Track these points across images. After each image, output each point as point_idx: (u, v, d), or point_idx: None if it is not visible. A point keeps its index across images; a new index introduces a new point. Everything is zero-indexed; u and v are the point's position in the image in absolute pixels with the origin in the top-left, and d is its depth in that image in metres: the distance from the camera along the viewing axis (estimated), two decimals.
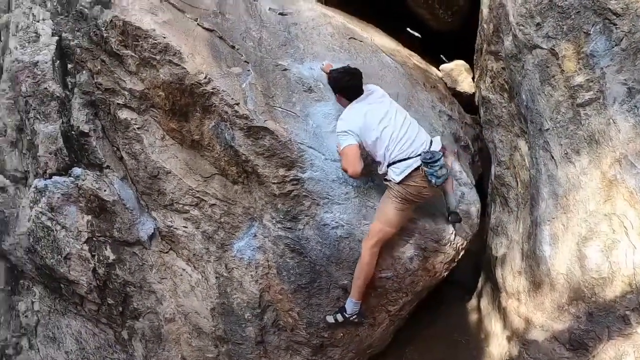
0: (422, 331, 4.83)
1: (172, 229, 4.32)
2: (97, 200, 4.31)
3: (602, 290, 3.04)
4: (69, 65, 4.44)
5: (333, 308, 3.99)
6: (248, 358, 4.25)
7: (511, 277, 4.08)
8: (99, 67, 4.25)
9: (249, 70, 4.03)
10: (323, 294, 3.99)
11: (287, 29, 4.57)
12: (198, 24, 4.13)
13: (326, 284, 3.97)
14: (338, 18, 5.01)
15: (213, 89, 3.81)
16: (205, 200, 4.19)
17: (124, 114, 4.25)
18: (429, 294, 4.51)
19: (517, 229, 4.17)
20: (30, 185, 4.50)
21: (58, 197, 4.33)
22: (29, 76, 4.40)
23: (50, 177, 4.41)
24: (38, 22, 4.64)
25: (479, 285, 5.07)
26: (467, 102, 5.71)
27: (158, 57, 3.89)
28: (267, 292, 4.11)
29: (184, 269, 4.38)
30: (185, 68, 3.82)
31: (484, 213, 4.79)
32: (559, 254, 3.38)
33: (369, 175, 3.92)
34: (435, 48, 7.17)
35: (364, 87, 3.79)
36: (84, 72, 4.35)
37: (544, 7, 3.33)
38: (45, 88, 4.38)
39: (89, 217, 4.36)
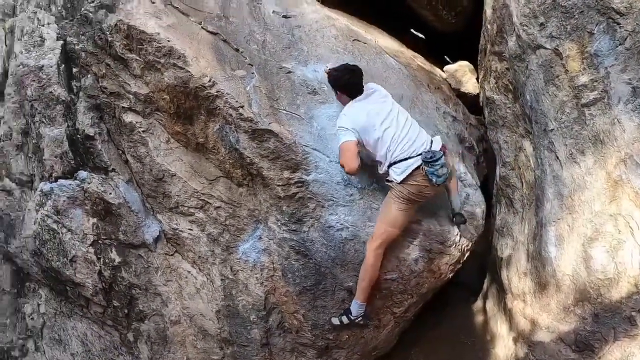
0: (428, 333, 4.82)
1: (177, 231, 4.33)
2: (102, 203, 4.32)
3: (608, 291, 3.02)
4: (74, 69, 4.46)
5: (338, 310, 3.98)
6: None
7: (517, 278, 4.07)
8: (103, 71, 4.27)
9: (253, 73, 4.04)
10: (328, 296, 3.99)
11: (291, 32, 4.57)
12: (202, 27, 4.14)
13: (331, 286, 3.97)
14: (342, 20, 5.01)
15: (217, 92, 3.82)
16: (210, 203, 4.20)
17: (129, 117, 4.27)
18: (434, 296, 4.50)
19: (523, 230, 4.15)
20: (36, 189, 4.52)
21: (64, 200, 4.35)
22: (34, 80, 4.43)
23: (56, 181, 4.43)
24: (43, 26, 4.67)
25: (485, 286, 5.06)
26: (472, 103, 5.70)
27: (162, 61, 3.90)
28: (272, 294, 4.11)
29: (189, 272, 4.39)
30: (189, 71, 3.83)
31: (489, 214, 4.78)
32: (564, 254, 3.36)
33: (370, 174, 3.91)
34: (439, 49, 7.17)
35: (365, 86, 3.79)
36: (89, 75, 4.37)
37: (548, 7, 3.32)
38: (51, 92, 4.40)
39: (95, 219, 4.38)
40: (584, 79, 3.16)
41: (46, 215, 4.38)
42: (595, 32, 3.07)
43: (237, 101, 3.80)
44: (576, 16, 3.15)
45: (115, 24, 3.98)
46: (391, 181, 3.60)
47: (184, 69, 3.85)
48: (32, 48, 4.58)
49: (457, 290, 5.18)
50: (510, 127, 4.35)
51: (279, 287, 4.05)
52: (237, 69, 4.01)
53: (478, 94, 5.46)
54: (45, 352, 4.79)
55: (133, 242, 4.40)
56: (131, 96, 4.19)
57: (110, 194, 4.32)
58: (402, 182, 3.52)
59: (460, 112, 5.21)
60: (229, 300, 4.20)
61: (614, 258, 3.00)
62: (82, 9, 4.37)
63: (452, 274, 4.26)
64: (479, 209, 4.31)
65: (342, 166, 3.61)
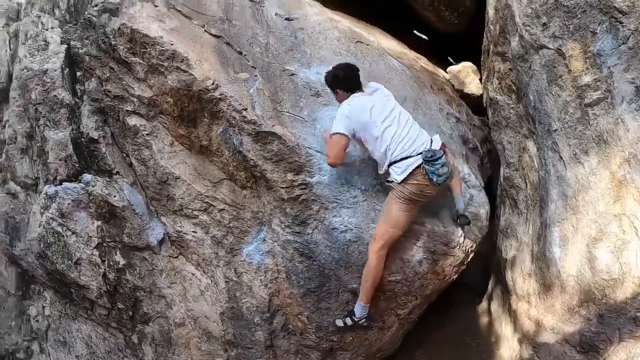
0: (432, 334, 4.80)
1: (181, 234, 4.34)
2: (107, 206, 4.34)
3: (613, 292, 3.00)
4: (78, 73, 4.49)
5: (342, 312, 3.97)
6: None
7: (521, 279, 4.05)
8: (107, 75, 4.29)
9: (256, 76, 4.05)
10: (332, 298, 3.98)
11: (294, 34, 4.59)
12: (205, 30, 4.16)
13: (335, 287, 3.97)
14: (344, 22, 5.02)
15: (221, 94, 3.83)
16: (214, 205, 4.20)
17: (132, 121, 4.29)
18: (439, 297, 4.49)
19: (527, 231, 4.14)
20: (41, 192, 4.55)
21: (68, 203, 4.37)
22: (38, 84, 4.46)
23: (60, 184, 4.46)
24: (47, 30, 4.70)
25: (489, 287, 5.04)
26: (475, 104, 5.70)
27: (166, 64, 3.92)
28: (276, 296, 4.11)
29: (193, 274, 4.39)
30: (192, 74, 3.84)
31: (494, 215, 4.77)
32: (569, 255, 3.35)
33: (373, 176, 3.91)
34: (442, 50, 7.16)
35: (368, 85, 3.81)
36: (93, 79, 4.40)
37: (550, 7, 3.31)
38: (55, 95, 4.43)
39: (99, 222, 4.40)
40: (587, 78, 3.15)
41: (51, 218, 4.40)
42: (597, 31, 3.06)
43: (240, 104, 3.81)
44: (579, 16, 3.15)
45: (119, 28, 4.00)
46: (391, 181, 3.59)
47: (187, 72, 3.86)
48: (36, 52, 4.61)
49: (462, 291, 5.16)
50: (514, 128, 4.34)
51: (283, 289, 4.05)
52: (241, 72, 4.02)
53: (481, 95, 5.45)
54: (50, 354, 4.81)
55: (137, 245, 4.41)
56: (135, 99, 4.21)
57: (114, 196, 4.34)
58: (403, 181, 3.51)
59: (464, 113, 5.21)
60: (233, 303, 4.20)
61: (619, 258, 2.98)
62: (86, 12, 4.40)
63: (456, 276, 4.25)
64: (483, 210, 4.30)
65: (327, 156, 3.60)
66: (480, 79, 5.70)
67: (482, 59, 5.12)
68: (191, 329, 4.42)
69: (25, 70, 4.53)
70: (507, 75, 4.26)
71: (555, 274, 3.45)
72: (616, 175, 3.01)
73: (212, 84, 3.83)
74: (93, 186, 4.36)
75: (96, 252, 4.40)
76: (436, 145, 3.61)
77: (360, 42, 4.87)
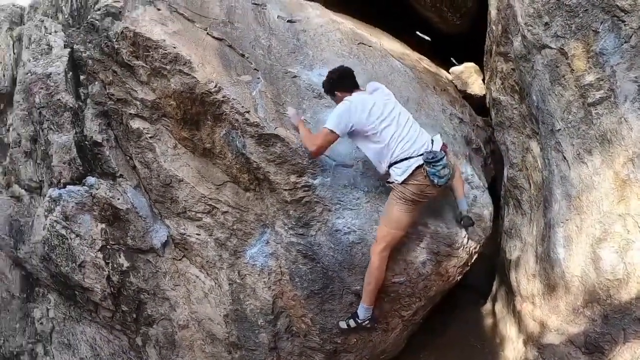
0: (436, 336, 4.79)
1: (185, 236, 4.35)
2: (110, 208, 4.35)
3: (618, 292, 2.99)
4: (82, 77, 4.51)
5: (346, 314, 3.97)
6: None
7: (525, 280, 4.04)
8: (110, 78, 4.30)
9: (258, 78, 4.05)
10: (336, 300, 3.98)
11: (296, 36, 4.59)
12: (208, 33, 4.17)
13: (339, 289, 3.96)
14: (346, 24, 5.03)
15: (223, 97, 3.84)
16: (217, 208, 4.21)
17: (136, 124, 4.30)
18: (443, 299, 4.48)
19: (531, 232, 4.12)
20: (45, 195, 4.57)
21: (72, 206, 4.39)
22: (42, 88, 4.48)
23: (64, 187, 4.48)
24: (50, 34, 4.73)
25: (493, 289, 5.03)
26: (478, 105, 5.69)
27: (169, 67, 3.93)
28: (280, 298, 4.11)
29: (197, 276, 4.40)
30: (195, 77, 3.85)
31: (498, 216, 4.75)
32: (573, 256, 3.34)
33: (376, 177, 3.91)
34: (444, 51, 7.16)
35: (368, 84, 3.82)
36: (96, 83, 4.41)
37: (552, 7, 3.30)
38: (59, 99, 4.44)
39: (103, 225, 4.41)
40: (590, 78, 3.14)
41: (55, 221, 4.41)
42: (600, 30, 3.05)
43: (243, 106, 3.81)
44: (581, 15, 3.14)
45: (122, 31, 4.01)
46: (392, 182, 3.59)
47: (190, 75, 3.87)
48: (39, 56, 4.63)
49: (466, 292, 5.15)
50: (517, 128, 4.33)
51: (287, 291, 4.05)
52: (243, 74, 4.02)
53: (484, 96, 5.44)
54: (55, 357, 4.83)
55: (141, 247, 4.42)
56: (138, 102, 4.22)
57: (118, 199, 4.35)
58: (404, 182, 3.51)
59: (467, 114, 5.20)
60: (237, 305, 4.21)
61: (623, 258, 2.97)
62: (89, 16, 4.41)
63: (460, 277, 4.24)
64: (487, 211, 4.29)
65: (312, 146, 3.59)
66: (483, 80, 5.70)
67: (484, 59, 5.12)
68: (195, 331, 4.43)
69: (29, 74, 4.56)
70: (510, 76, 4.25)
71: (560, 274, 3.44)
72: (620, 174, 3.00)
73: (215, 86, 3.83)
74: (97, 189, 4.37)
75: (100, 255, 4.41)
76: (437, 146, 3.60)
77: (363, 43, 4.87)
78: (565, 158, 3.44)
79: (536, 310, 3.80)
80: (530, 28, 3.53)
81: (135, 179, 4.48)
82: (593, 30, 3.09)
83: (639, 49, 2.90)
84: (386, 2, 6.77)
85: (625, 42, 2.94)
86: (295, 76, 4.24)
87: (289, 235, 3.96)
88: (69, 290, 4.65)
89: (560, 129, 3.44)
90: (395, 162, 3.52)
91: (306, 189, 3.84)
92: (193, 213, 4.29)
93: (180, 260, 4.45)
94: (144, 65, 4.05)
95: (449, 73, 6.13)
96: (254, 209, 4.14)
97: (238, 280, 4.19)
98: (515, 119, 4.32)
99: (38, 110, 4.53)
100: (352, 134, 3.59)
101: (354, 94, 3.67)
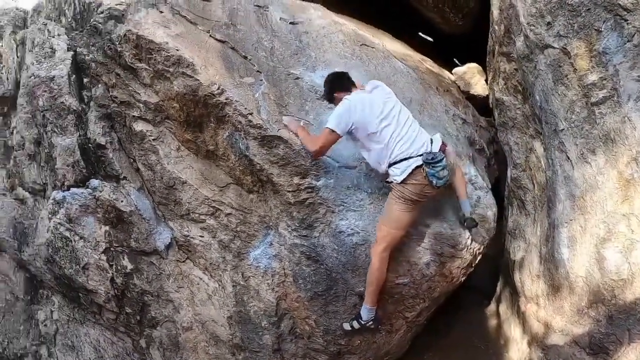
0: (440, 337, 4.78)
1: (188, 238, 4.35)
2: (114, 211, 4.36)
3: (622, 292, 2.98)
4: (85, 79, 4.52)
5: (350, 315, 3.96)
6: None
7: (530, 281, 4.03)
8: (114, 81, 4.31)
9: (261, 80, 4.05)
10: (340, 302, 3.98)
11: (299, 38, 4.59)
12: (210, 35, 4.17)
13: (342, 291, 3.96)
14: (349, 25, 5.03)
15: (226, 99, 3.84)
16: (221, 210, 4.21)
17: (139, 126, 4.31)
18: (447, 300, 4.47)
19: (535, 232, 4.11)
20: (49, 197, 4.58)
21: (76, 208, 4.40)
22: (45, 91, 4.49)
23: (68, 189, 4.49)
24: (53, 37, 4.74)
25: (498, 289, 5.01)
26: (481, 105, 5.68)
27: (171, 70, 3.93)
28: (283, 300, 4.11)
29: (200, 278, 4.40)
30: (198, 79, 3.86)
31: (501, 216, 4.74)
32: (577, 256, 3.32)
33: (379, 179, 3.91)
34: (447, 51, 7.15)
35: (369, 82, 3.84)
36: (100, 85, 4.42)
37: (554, 6, 3.29)
38: (62, 102, 4.46)
39: (107, 227, 4.42)
40: (593, 77, 3.13)
41: (59, 223, 4.43)
42: (602, 29, 3.04)
43: (246, 108, 3.82)
44: (583, 14, 3.12)
45: (125, 34, 4.02)
46: (391, 181, 3.59)
47: (193, 77, 3.87)
48: (43, 59, 4.64)
49: (470, 293, 5.14)
50: (521, 128, 4.32)
51: (290, 292, 4.05)
52: (246, 76, 4.03)
53: (487, 96, 5.44)
54: (59, 358, 4.84)
55: (145, 249, 4.43)
56: (141, 105, 4.23)
57: (121, 201, 4.36)
58: (403, 182, 3.51)
59: (470, 115, 5.19)
60: (241, 307, 4.21)
61: (628, 258, 2.95)
62: (92, 20, 4.42)
63: (464, 278, 4.24)
64: (491, 212, 4.27)
65: (313, 147, 3.59)
66: (486, 80, 5.69)
67: (487, 59, 5.11)
68: (199, 333, 4.43)
69: (32, 78, 4.57)
70: (513, 76, 4.24)
71: (564, 275, 3.43)
72: (624, 174, 2.98)
73: (218, 88, 3.84)
74: (100, 191, 4.38)
75: (104, 257, 4.42)
76: (436, 146, 3.59)
77: (365, 44, 4.87)
78: (568, 158, 3.42)
79: (540, 311, 3.79)
80: (533, 28, 3.52)
81: (139, 181, 4.49)
82: (596, 30, 3.08)
83: None
84: (385, 2, 6.76)
85: (628, 41, 2.93)
86: (298, 78, 4.24)
87: (292, 237, 3.96)
88: (72, 292, 4.66)
89: (563, 129, 3.43)
90: (395, 163, 3.52)
91: (309, 190, 3.84)
92: (196, 215, 4.29)
93: (183, 262, 4.45)
94: (147, 67, 4.06)
95: (452, 74, 6.12)
96: (257, 210, 4.14)
97: (242, 282, 4.19)
98: (519, 119, 4.31)
99: (42, 113, 4.54)
100: (352, 133, 3.60)
101: (353, 93, 3.68)
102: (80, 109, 4.47)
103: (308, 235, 3.92)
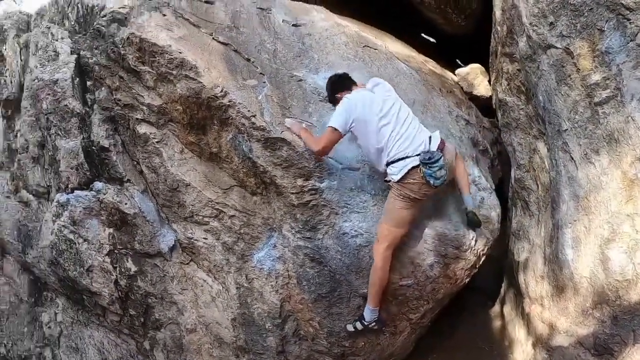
0: (444, 339, 4.77)
1: (192, 240, 4.36)
2: (118, 213, 4.37)
3: (627, 293, 2.96)
4: (88, 82, 4.53)
5: (354, 317, 3.96)
6: None
7: (534, 282, 4.02)
8: (117, 84, 4.32)
9: (264, 82, 4.06)
10: (343, 303, 3.97)
11: (301, 40, 4.60)
12: (213, 38, 4.18)
13: (346, 293, 3.96)
14: (351, 27, 5.03)
15: (229, 101, 3.85)
16: (224, 212, 4.21)
17: (143, 129, 4.31)
18: (451, 301, 4.46)
19: (539, 233, 4.10)
20: (53, 200, 4.59)
21: (80, 211, 4.41)
22: (49, 94, 4.50)
23: (72, 192, 4.49)
24: (57, 40, 4.75)
25: (502, 291, 5.00)
26: (485, 106, 5.68)
27: (175, 72, 3.94)
28: (287, 302, 4.10)
29: (204, 280, 4.40)
30: (201, 82, 3.86)
31: (505, 217, 4.73)
32: (581, 257, 3.31)
33: (382, 181, 3.91)
34: (450, 52, 7.15)
35: (370, 80, 3.86)
36: (103, 88, 4.43)
37: (557, 6, 3.28)
38: (66, 105, 4.46)
39: (111, 229, 4.43)
40: (596, 77, 3.12)
41: (63, 225, 4.43)
42: (605, 29, 3.03)
43: (249, 110, 3.82)
44: (585, 14, 3.12)
45: (128, 37, 4.03)
46: (389, 180, 3.59)
47: (196, 79, 3.88)
48: (46, 62, 4.66)
49: (474, 295, 5.13)
50: (524, 129, 4.31)
51: (294, 294, 4.05)
52: (249, 79, 4.03)
53: (490, 97, 5.42)
54: None
55: (149, 252, 4.43)
56: (145, 108, 4.24)
57: (125, 204, 4.37)
58: (400, 180, 3.52)
59: (473, 115, 5.19)
60: (245, 309, 4.21)
61: (632, 259, 2.94)
62: (95, 23, 4.43)
63: (468, 279, 4.23)
64: (495, 213, 4.27)
65: (316, 146, 3.61)
66: (489, 81, 5.68)
67: (490, 60, 5.10)
68: (203, 335, 4.43)
69: (36, 81, 4.58)
70: (516, 76, 4.24)
71: (568, 275, 3.42)
72: (628, 174, 2.98)
73: (221, 91, 3.84)
74: (104, 194, 4.39)
75: (108, 259, 4.43)
76: (435, 144, 3.59)
77: (368, 46, 4.88)
78: (572, 158, 3.42)
79: (545, 312, 3.78)
80: (535, 28, 3.51)
81: (143, 184, 4.49)
82: (598, 29, 3.07)
83: None
84: (386, 2, 6.76)
85: (631, 40, 2.92)
86: (301, 80, 4.25)
87: (296, 239, 3.96)
88: (76, 294, 4.66)
89: (567, 129, 3.43)
90: (392, 162, 3.53)
91: (313, 192, 3.84)
92: (200, 217, 4.30)
93: (187, 264, 4.46)
94: (150, 70, 4.07)
95: (455, 75, 6.12)
96: (261, 212, 4.14)
97: (245, 284, 4.19)
98: (522, 119, 4.31)
99: (45, 116, 4.55)
100: (353, 131, 3.61)
101: (354, 91, 3.71)
102: (83, 111, 4.47)
103: (312, 237, 3.92)
